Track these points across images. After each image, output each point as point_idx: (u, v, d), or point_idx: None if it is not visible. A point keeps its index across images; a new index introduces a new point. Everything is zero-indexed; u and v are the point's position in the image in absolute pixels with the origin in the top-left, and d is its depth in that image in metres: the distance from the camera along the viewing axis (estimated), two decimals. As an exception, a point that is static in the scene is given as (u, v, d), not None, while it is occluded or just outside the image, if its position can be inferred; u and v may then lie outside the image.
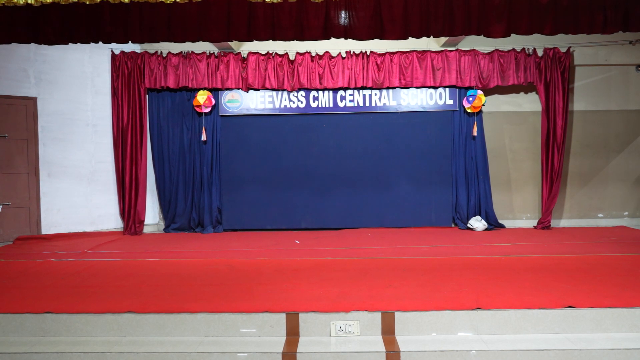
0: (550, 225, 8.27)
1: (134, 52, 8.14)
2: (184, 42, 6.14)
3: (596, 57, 8.39)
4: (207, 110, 8.24)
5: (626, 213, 8.60)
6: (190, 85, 8.14)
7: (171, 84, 8.14)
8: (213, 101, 8.24)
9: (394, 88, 8.28)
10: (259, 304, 4.14)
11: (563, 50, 8.08)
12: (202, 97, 8.15)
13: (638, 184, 8.56)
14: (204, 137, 8.30)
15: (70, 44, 6.14)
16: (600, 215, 8.61)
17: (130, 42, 6.13)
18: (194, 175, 8.43)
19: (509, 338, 3.86)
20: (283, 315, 3.95)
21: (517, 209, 8.62)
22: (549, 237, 7.49)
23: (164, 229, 8.51)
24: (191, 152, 8.42)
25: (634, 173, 8.57)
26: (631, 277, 4.86)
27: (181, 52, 8.11)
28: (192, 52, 8.10)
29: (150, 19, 5.85)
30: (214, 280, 4.99)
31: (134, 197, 8.16)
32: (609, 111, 8.53)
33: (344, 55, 8.12)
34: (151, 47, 8.15)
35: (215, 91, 8.29)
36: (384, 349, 3.69)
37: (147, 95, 8.33)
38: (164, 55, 8.13)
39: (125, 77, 8.12)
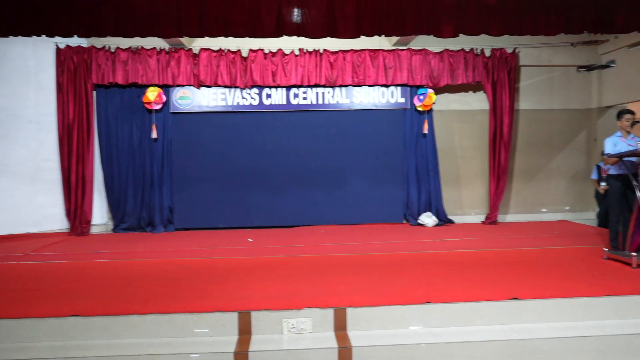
0: (497, 220, 8.55)
1: (80, 47, 7.86)
2: (133, 37, 5.96)
3: (540, 58, 8.73)
4: (158, 107, 8.06)
5: (567, 208, 8.98)
6: (140, 82, 7.94)
7: (120, 79, 7.91)
8: (164, 98, 8.07)
9: (346, 86, 8.34)
10: (210, 303, 4.10)
11: (509, 51, 8.35)
12: (152, 93, 7.96)
13: (578, 180, 8.95)
14: (154, 135, 8.11)
15: (10, 36, 5.86)
16: (544, 210, 8.95)
17: (75, 36, 5.91)
18: (144, 173, 8.22)
19: (457, 330, 3.97)
20: (235, 314, 3.92)
21: (466, 204, 8.86)
22: (496, 231, 7.74)
23: (113, 229, 8.28)
24: (141, 150, 8.21)
25: (574, 169, 8.96)
26: (571, 268, 5.11)
27: (130, 48, 7.89)
28: (142, 47, 7.90)
29: (97, 12, 5.64)
30: (164, 280, 4.90)
31: (80, 196, 7.89)
32: (552, 110, 8.89)
33: (297, 52, 8.12)
34: (98, 42, 7.88)
35: (166, 88, 8.13)
36: (336, 345, 3.72)
37: (94, 92, 8.06)
38: (112, 50, 7.89)
39: (71, 72, 7.84)
